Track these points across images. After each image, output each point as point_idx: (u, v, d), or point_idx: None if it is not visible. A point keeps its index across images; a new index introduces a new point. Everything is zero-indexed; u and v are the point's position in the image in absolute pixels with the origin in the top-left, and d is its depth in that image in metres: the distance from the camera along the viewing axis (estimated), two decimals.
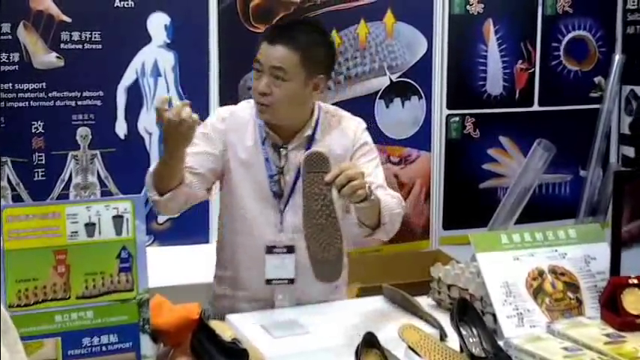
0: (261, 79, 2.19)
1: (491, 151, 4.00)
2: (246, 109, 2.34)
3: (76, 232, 1.58)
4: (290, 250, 2.27)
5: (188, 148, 2.12)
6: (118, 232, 1.61)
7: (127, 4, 3.23)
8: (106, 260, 1.60)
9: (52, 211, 1.58)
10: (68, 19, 3.15)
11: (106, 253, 1.61)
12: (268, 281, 2.26)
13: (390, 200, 2.22)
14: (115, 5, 3.22)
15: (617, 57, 4.14)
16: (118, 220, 1.61)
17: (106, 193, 3.25)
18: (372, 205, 2.08)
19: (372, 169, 2.30)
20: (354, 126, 2.36)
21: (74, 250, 1.58)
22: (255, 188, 2.29)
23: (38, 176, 3.18)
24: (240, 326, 2.07)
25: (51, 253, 1.56)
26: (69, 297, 1.58)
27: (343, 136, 2.33)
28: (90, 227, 1.59)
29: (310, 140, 2.29)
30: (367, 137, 2.37)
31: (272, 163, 2.28)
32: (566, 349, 1.79)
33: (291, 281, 2.26)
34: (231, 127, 2.30)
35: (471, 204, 3.96)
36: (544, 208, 4.06)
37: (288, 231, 2.29)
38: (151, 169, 2.19)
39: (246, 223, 2.30)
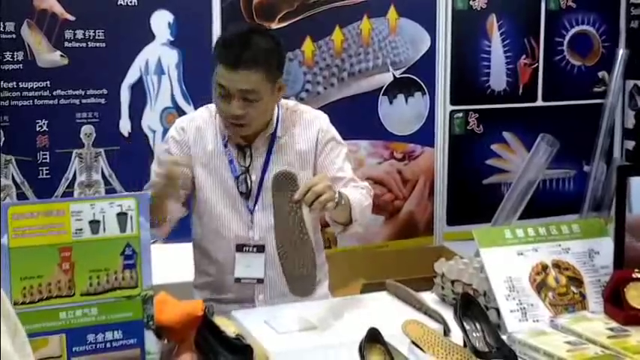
0: (230, 102, 2.17)
1: (494, 147, 4.00)
2: (204, 114, 2.36)
3: (81, 229, 1.59)
4: (260, 249, 2.29)
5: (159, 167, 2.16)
6: (123, 229, 1.62)
7: (130, 2, 3.24)
8: (110, 257, 1.61)
9: (57, 208, 1.58)
10: (72, 18, 3.16)
11: (110, 250, 1.61)
12: (237, 280, 2.28)
13: (359, 195, 2.24)
14: (119, 3, 3.23)
15: (621, 52, 4.13)
16: (122, 217, 1.62)
17: (110, 191, 3.26)
18: (343, 208, 2.12)
19: (341, 164, 2.33)
20: (317, 120, 2.36)
21: (79, 248, 1.58)
22: (222, 191, 2.31)
23: (43, 174, 3.19)
24: (244, 322, 2.07)
25: (56, 250, 1.57)
26: (73, 294, 1.58)
27: (306, 130, 2.34)
28: (94, 224, 1.60)
29: (273, 138, 2.31)
30: (333, 131, 2.38)
31: (236, 164, 2.29)
32: (569, 343, 1.80)
33: (260, 281, 2.28)
34: (190, 135, 2.32)
35: (474, 199, 3.96)
36: (548, 203, 4.06)
37: (258, 229, 2.31)
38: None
39: (218, 227, 2.32)
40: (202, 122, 2.34)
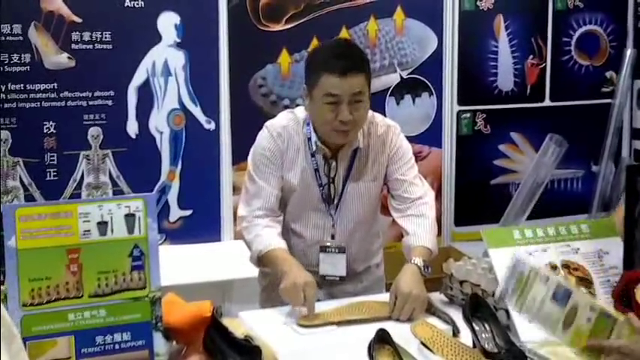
0: (339, 109, 2.29)
1: (502, 147, 3.99)
2: (291, 121, 2.44)
3: (89, 230, 1.59)
4: (341, 250, 2.46)
5: (259, 177, 2.39)
6: (130, 230, 1.62)
7: (137, 4, 3.24)
8: (118, 259, 1.61)
9: (65, 210, 1.58)
10: (79, 20, 3.16)
11: (118, 252, 1.61)
12: (322, 277, 2.43)
13: (428, 224, 2.44)
14: (125, 5, 3.23)
15: (629, 51, 4.12)
16: (130, 218, 1.61)
17: (117, 192, 3.26)
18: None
19: (411, 178, 2.52)
20: (390, 132, 2.51)
21: (87, 249, 1.58)
22: (307, 197, 2.44)
23: (50, 176, 3.20)
24: (252, 323, 2.07)
25: (64, 252, 1.57)
26: (82, 295, 1.58)
27: (383, 144, 2.48)
28: (102, 226, 1.60)
29: (355, 151, 2.44)
30: (402, 140, 2.54)
31: (322, 173, 2.42)
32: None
33: (342, 278, 2.45)
34: (285, 143, 2.41)
35: (482, 200, 3.95)
36: (556, 203, 4.05)
37: (339, 235, 2.47)
38: (264, 252, 2.32)
39: (299, 229, 2.46)
40: (293, 130, 2.43)
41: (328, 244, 2.46)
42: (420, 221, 2.45)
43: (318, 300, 2.26)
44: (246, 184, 2.46)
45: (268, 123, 2.46)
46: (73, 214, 1.58)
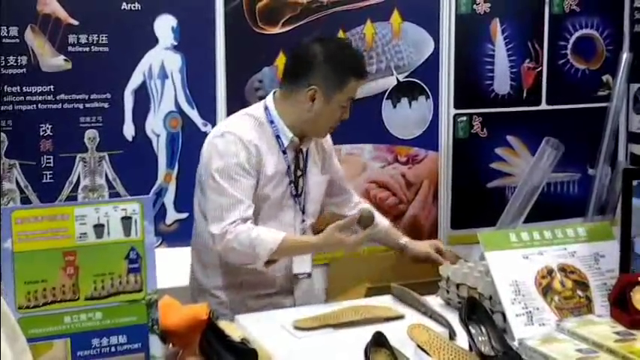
0: (346, 110, 2.42)
1: (498, 151, 3.99)
2: (255, 127, 2.43)
3: (85, 233, 1.59)
4: None
5: (234, 188, 2.33)
6: (127, 233, 1.62)
7: (134, 7, 3.24)
8: (114, 261, 1.61)
9: (61, 212, 1.58)
10: (75, 22, 3.15)
11: (114, 254, 1.61)
12: (295, 275, 2.49)
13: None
14: (122, 8, 3.23)
15: (625, 55, 4.12)
16: (126, 221, 1.61)
17: (114, 195, 3.25)
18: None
19: (338, 163, 2.71)
20: None
21: (83, 252, 1.58)
22: (279, 197, 2.44)
23: (46, 179, 3.19)
24: (249, 326, 2.07)
25: (60, 254, 1.57)
26: (78, 298, 1.58)
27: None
28: (99, 228, 1.60)
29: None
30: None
31: (292, 168, 2.44)
32: (580, 351, 1.79)
33: (309, 275, 2.51)
34: (258, 151, 2.38)
35: (478, 203, 3.95)
36: (553, 206, 4.05)
37: (308, 230, 2.51)
38: (275, 248, 2.30)
39: (274, 227, 2.41)
40: (261, 134, 2.42)
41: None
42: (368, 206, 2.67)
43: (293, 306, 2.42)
44: (213, 199, 2.34)
45: (233, 130, 2.39)
46: (69, 217, 1.58)
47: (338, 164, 2.72)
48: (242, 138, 2.37)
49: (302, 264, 2.49)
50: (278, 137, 2.41)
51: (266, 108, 2.47)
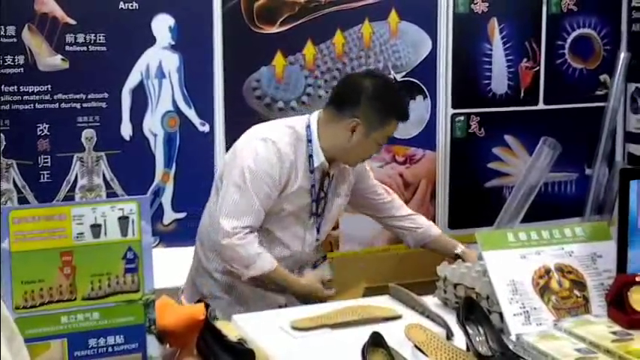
0: (381, 147, 2.57)
1: (496, 150, 3.99)
2: (293, 140, 2.50)
3: (82, 233, 1.58)
4: (324, 257, 2.72)
5: (255, 192, 2.42)
6: (124, 233, 1.61)
7: (132, 6, 3.24)
8: (111, 261, 1.61)
9: (58, 212, 1.58)
10: (73, 22, 3.15)
11: (111, 254, 1.61)
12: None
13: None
14: (120, 7, 3.22)
15: (623, 55, 4.13)
16: (123, 221, 1.61)
17: (111, 195, 3.25)
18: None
19: (379, 189, 2.81)
20: None
21: (80, 252, 1.58)
22: (298, 211, 2.52)
23: (44, 178, 3.19)
24: (246, 326, 2.07)
25: (57, 254, 1.57)
26: (75, 298, 1.58)
27: None
28: (96, 228, 1.60)
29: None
30: None
31: (317, 189, 2.51)
32: (579, 350, 1.79)
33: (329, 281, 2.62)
34: (290, 165, 2.46)
35: (476, 203, 3.96)
36: (550, 206, 4.05)
37: (319, 248, 2.65)
38: (269, 272, 2.46)
39: (286, 239, 2.55)
40: (297, 149, 2.48)
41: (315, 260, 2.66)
42: (416, 216, 2.84)
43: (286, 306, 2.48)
44: (233, 194, 2.43)
45: (273, 137, 2.45)
46: (66, 217, 1.57)
47: (372, 182, 2.79)
48: (281, 150, 2.44)
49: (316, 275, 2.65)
50: (311, 157, 2.48)
51: (308, 126, 2.52)
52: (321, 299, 2.51)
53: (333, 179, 2.57)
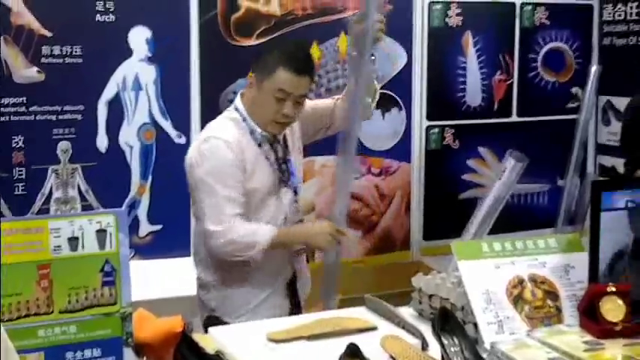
0: (284, 104, 2.43)
1: (470, 162, 4.03)
2: (234, 128, 2.49)
3: (59, 246, 1.58)
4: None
5: (225, 186, 2.41)
6: (102, 246, 1.61)
7: (108, 18, 3.24)
8: (89, 274, 1.60)
9: (36, 225, 1.57)
10: (49, 34, 3.15)
11: (89, 268, 1.60)
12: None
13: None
14: (96, 19, 3.23)
15: (594, 68, 4.18)
16: (101, 234, 1.61)
17: (86, 207, 3.24)
18: None
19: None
20: None
21: (57, 265, 1.58)
22: (267, 187, 2.51)
23: (19, 191, 3.17)
24: (223, 338, 2.07)
25: (34, 267, 1.56)
26: (52, 311, 1.58)
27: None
28: (73, 241, 1.59)
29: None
30: None
31: (273, 158, 2.52)
32: (552, 359, 1.81)
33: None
34: (242, 151, 2.46)
35: (451, 214, 3.98)
36: (523, 217, 4.09)
37: (301, 210, 2.64)
38: (271, 240, 2.43)
39: (268, 216, 2.52)
40: (240, 135, 2.48)
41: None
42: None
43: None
44: (205, 199, 2.44)
45: (213, 134, 2.49)
46: (43, 230, 1.57)
47: (310, 109, 2.71)
48: (226, 140, 2.44)
49: None
50: (252, 132, 2.50)
51: (236, 108, 2.55)
52: (340, 237, 2.53)
53: (282, 141, 2.58)
